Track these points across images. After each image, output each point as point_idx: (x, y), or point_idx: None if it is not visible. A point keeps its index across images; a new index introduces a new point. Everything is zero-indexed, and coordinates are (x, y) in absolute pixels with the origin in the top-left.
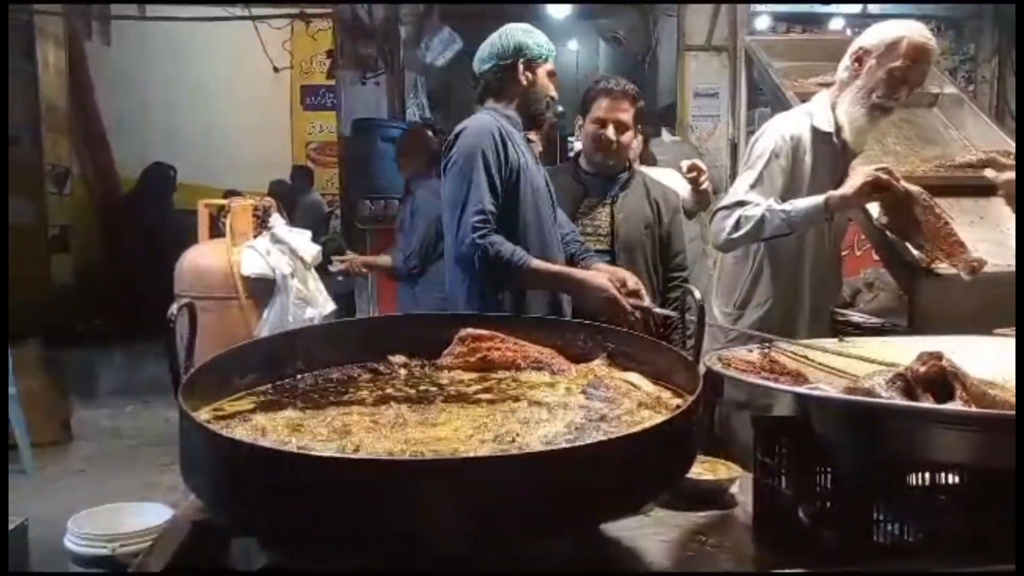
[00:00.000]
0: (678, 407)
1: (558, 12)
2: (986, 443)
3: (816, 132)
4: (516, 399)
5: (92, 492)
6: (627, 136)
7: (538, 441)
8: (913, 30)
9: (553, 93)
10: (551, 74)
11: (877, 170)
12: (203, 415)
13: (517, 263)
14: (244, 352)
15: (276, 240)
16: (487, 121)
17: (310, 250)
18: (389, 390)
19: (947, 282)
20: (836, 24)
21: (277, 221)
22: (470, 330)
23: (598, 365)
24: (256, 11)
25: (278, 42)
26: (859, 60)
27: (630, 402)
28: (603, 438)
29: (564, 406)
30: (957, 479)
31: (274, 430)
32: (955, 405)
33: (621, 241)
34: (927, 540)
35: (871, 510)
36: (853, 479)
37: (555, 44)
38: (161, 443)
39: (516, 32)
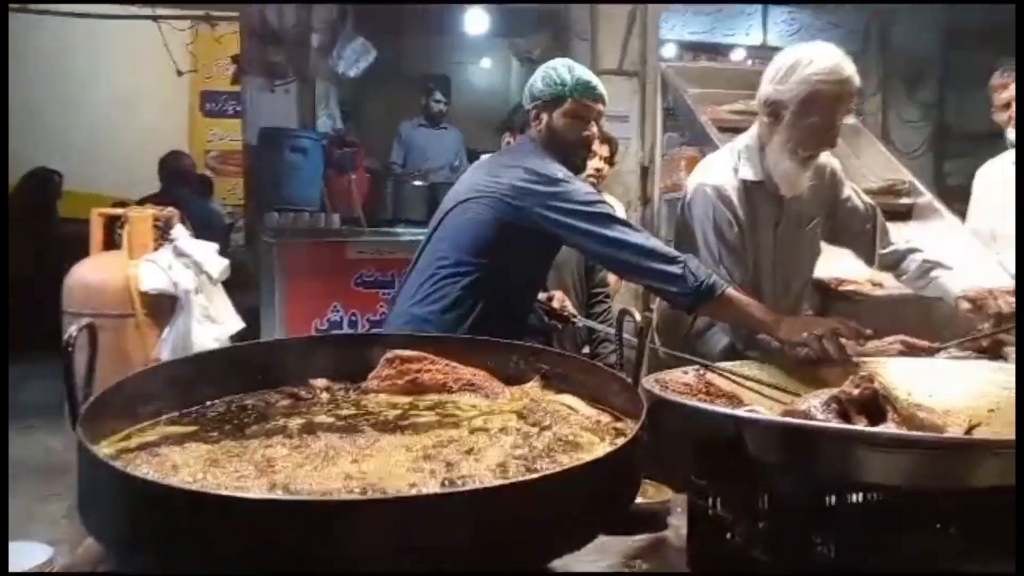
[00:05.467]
0: (617, 431)
1: (474, 28)
2: (920, 464)
3: (744, 182)
4: (455, 425)
5: None
6: (601, 163)
7: (488, 472)
8: (827, 76)
9: (583, 137)
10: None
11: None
12: (105, 448)
13: None
14: (150, 377)
15: (179, 253)
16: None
17: (217, 264)
18: (313, 418)
19: (856, 302)
20: (738, 55)
21: (180, 232)
22: (398, 351)
23: (532, 387)
24: (159, 10)
25: (180, 44)
26: (775, 115)
27: (570, 426)
28: (563, 467)
29: (505, 431)
30: (891, 500)
31: (188, 465)
32: (888, 427)
33: (558, 259)
34: (862, 561)
35: (806, 532)
36: (789, 501)
37: (467, 62)
38: (43, 472)
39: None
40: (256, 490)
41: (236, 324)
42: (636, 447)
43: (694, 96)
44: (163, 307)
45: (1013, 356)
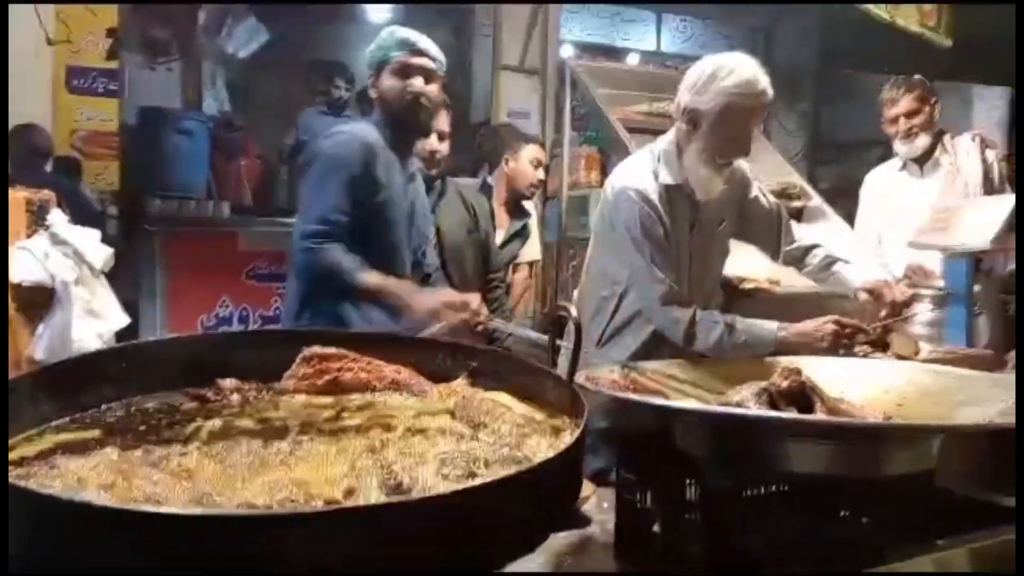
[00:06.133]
0: (555, 428)
1: (376, 15)
2: (849, 453)
3: (664, 186)
4: (387, 427)
5: None
6: (445, 145)
7: (433, 476)
8: (744, 89)
9: (408, 94)
10: (401, 72)
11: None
12: None
13: (348, 273)
14: (40, 378)
15: (57, 241)
16: (353, 129)
17: (100, 253)
18: (229, 421)
19: (756, 300)
20: (633, 59)
21: (58, 218)
22: (316, 349)
23: (461, 385)
24: None
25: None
26: (693, 123)
27: (507, 424)
28: (517, 469)
29: (442, 432)
30: (813, 489)
31: (95, 478)
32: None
33: (447, 250)
34: (792, 550)
35: (736, 523)
36: (718, 492)
37: (365, 51)
38: None
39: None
40: (178, 504)
41: (122, 319)
42: (582, 445)
43: (602, 96)
44: (39, 301)
45: (897, 345)
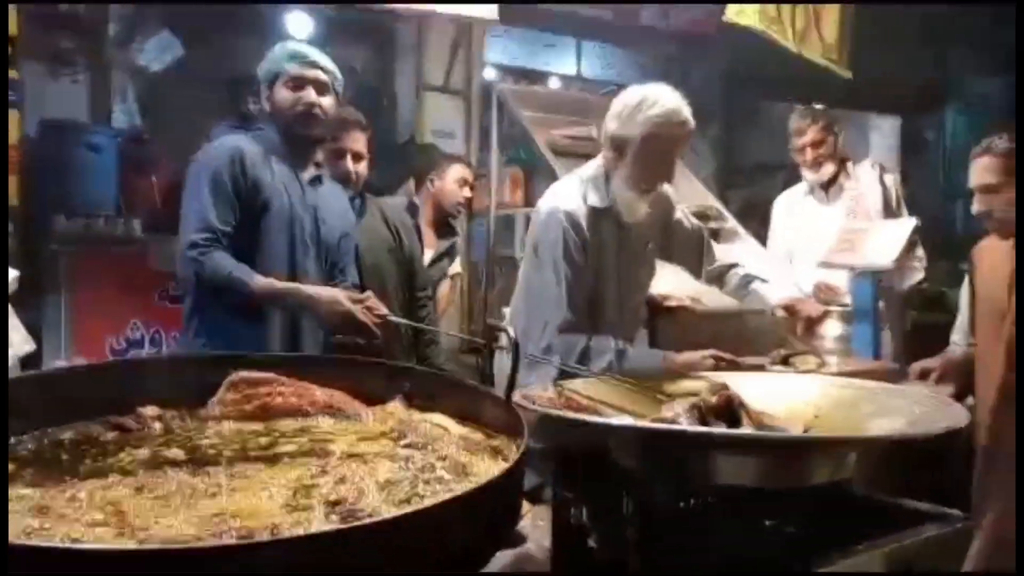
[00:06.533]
0: (494, 449)
1: (295, 32)
2: (777, 464)
3: (592, 208)
4: (324, 453)
5: None
6: (362, 165)
7: (378, 500)
8: (667, 119)
9: (301, 105)
10: (293, 84)
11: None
12: None
13: (237, 279)
14: None
15: None
16: (228, 139)
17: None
18: (153, 451)
19: (679, 317)
20: (554, 83)
21: None
22: (243, 373)
23: (396, 407)
24: None
25: None
26: (619, 150)
27: (446, 447)
28: (463, 490)
29: (379, 456)
30: (745, 500)
31: (11, 515)
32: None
33: (367, 268)
34: (727, 563)
35: (670, 536)
36: (652, 506)
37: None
38: None
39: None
40: (109, 541)
41: (26, 345)
42: (525, 464)
43: (528, 119)
44: None
45: (800, 363)
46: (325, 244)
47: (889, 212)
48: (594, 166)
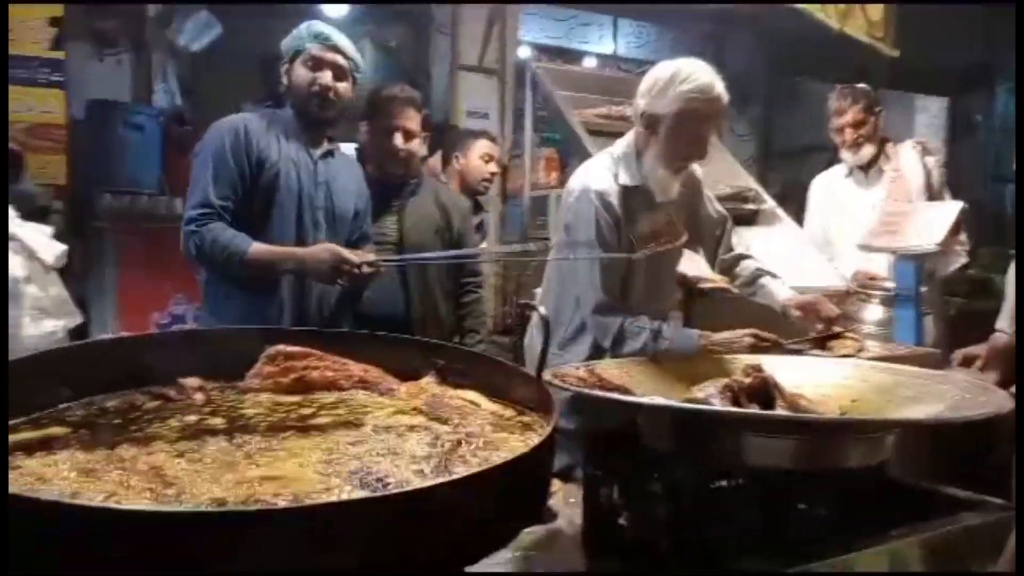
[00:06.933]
0: (524, 425)
1: (332, 12)
2: (811, 446)
3: (623, 187)
4: (357, 425)
5: None
6: (415, 143)
7: (408, 473)
8: (701, 94)
9: (316, 86)
10: (312, 64)
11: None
12: None
13: (234, 246)
14: None
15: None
16: (233, 118)
17: (52, 249)
18: (194, 420)
19: (714, 299)
20: (590, 62)
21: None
22: (281, 347)
23: (428, 383)
24: None
25: None
26: (651, 127)
27: (477, 422)
28: (491, 464)
29: (413, 430)
30: (776, 483)
31: (58, 478)
32: (780, 412)
33: (409, 248)
34: (758, 544)
35: (701, 515)
36: (683, 486)
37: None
38: None
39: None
40: (150, 503)
41: (75, 318)
42: (554, 440)
43: (562, 98)
44: None
45: (838, 348)
46: (339, 219)
47: (931, 194)
48: (625, 143)
